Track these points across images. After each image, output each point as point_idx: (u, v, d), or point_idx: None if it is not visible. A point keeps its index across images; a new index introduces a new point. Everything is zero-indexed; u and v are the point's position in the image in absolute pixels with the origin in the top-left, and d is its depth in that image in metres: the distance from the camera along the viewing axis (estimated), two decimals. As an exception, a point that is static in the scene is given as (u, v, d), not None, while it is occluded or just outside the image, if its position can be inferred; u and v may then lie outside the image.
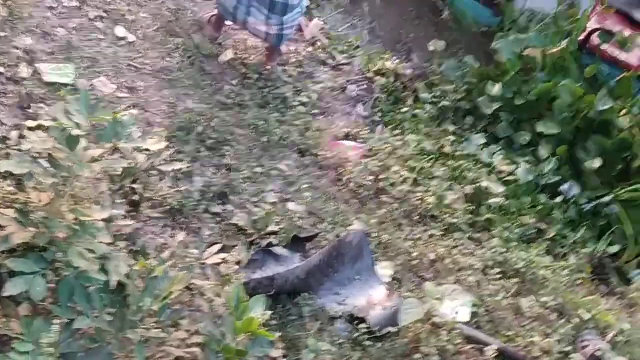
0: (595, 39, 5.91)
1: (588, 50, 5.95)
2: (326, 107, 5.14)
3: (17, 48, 4.24)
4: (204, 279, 3.41)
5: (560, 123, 5.35)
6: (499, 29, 6.32)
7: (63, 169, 2.80)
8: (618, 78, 5.69)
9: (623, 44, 5.79)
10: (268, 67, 5.05)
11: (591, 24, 6.01)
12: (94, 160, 2.90)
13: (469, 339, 3.88)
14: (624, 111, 5.42)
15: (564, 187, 5.14)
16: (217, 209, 3.99)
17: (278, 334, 3.13)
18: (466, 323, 3.96)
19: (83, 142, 2.86)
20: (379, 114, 5.32)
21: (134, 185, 3.67)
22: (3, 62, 4.14)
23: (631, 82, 5.62)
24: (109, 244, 2.83)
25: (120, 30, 4.77)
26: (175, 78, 4.65)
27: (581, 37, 5.94)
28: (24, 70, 4.13)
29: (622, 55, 5.84)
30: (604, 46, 5.87)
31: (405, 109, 5.35)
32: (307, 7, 5.31)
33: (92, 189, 3.20)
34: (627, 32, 5.82)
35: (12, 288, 2.57)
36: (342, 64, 5.53)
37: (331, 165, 4.65)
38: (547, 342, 4.03)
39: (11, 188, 2.97)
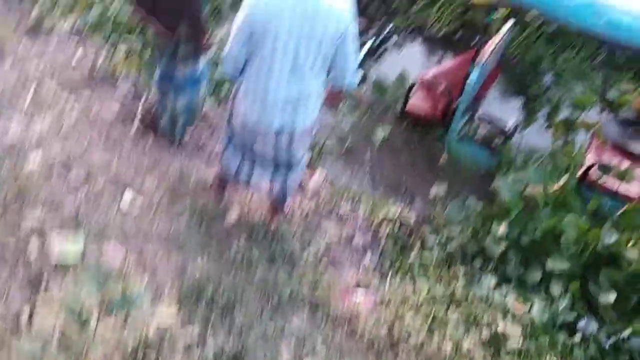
0: (594, 173, 6.01)
1: (588, 184, 6.05)
2: (334, 258, 5.15)
3: (26, 220, 4.27)
4: None
5: (569, 259, 5.32)
6: (497, 169, 6.45)
7: (75, 347, 2.76)
8: (621, 210, 5.74)
9: (622, 177, 5.88)
10: (274, 222, 5.09)
11: (589, 159, 6.14)
12: (106, 333, 2.87)
13: None
14: (631, 243, 5.41)
15: (581, 324, 5.03)
16: (231, 373, 3.90)
17: None
18: None
19: (94, 314, 2.85)
20: (388, 261, 5.33)
21: (147, 354, 3.60)
22: (13, 234, 4.16)
23: (635, 214, 5.65)
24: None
25: (128, 196, 4.84)
26: (183, 241, 4.68)
27: (580, 172, 6.05)
28: (33, 242, 4.14)
29: (622, 188, 5.92)
30: (603, 180, 5.97)
31: (413, 255, 5.36)
32: (309, 159, 5.44)
33: (104, 363, 3.14)
34: (624, 165, 5.92)
35: None
36: (347, 214, 5.59)
37: (344, 318, 4.59)
38: None
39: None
